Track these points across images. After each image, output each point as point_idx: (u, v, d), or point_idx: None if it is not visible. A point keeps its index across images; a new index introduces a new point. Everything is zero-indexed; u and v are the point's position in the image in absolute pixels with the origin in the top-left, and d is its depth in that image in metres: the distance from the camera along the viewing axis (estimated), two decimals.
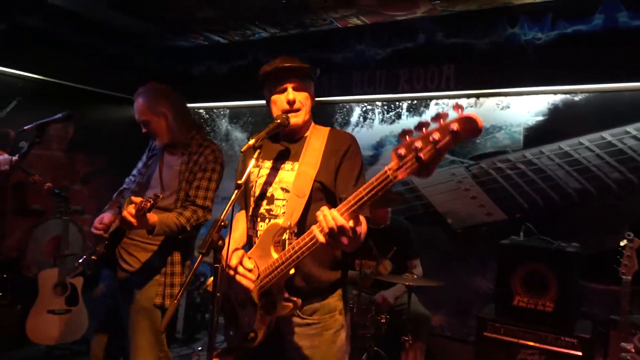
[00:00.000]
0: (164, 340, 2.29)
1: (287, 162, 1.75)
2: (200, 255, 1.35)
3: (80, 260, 2.43)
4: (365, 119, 4.04)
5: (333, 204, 1.51)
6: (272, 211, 1.70)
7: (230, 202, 1.41)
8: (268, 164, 1.78)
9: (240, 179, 1.49)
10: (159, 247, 2.25)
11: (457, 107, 1.10)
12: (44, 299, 3.65)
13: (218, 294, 1.43)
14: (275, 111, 1.75)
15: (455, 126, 1.08)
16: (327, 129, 1.81)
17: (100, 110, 4.45)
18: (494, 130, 3.47)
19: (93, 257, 2.29)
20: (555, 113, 3.29)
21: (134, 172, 2.52)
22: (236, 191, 1.45)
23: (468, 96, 3.60)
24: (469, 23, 3.53)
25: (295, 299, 1.58)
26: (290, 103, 1.71)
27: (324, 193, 1.68)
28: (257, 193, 1.75)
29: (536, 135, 3.33)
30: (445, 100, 3.70)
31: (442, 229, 3.61)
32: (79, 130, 4.27)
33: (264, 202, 1.72)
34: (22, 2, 3.52)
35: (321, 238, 1.35)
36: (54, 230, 4.07)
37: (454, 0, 3.33)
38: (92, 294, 3.25)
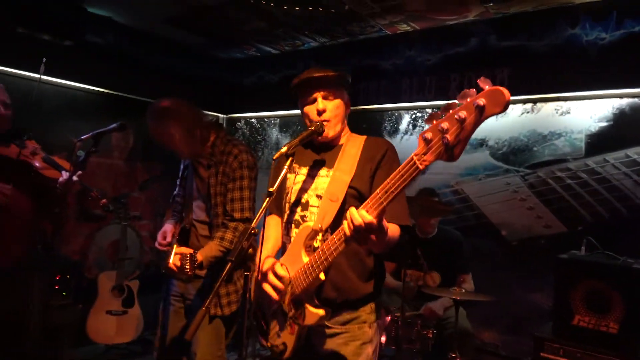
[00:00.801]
0: (223, 339, 2.35)
1: (322, 169, 1.74)
2: (230, 263, 1.35)
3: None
4: (414, 126, 3.95)
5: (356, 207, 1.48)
6: (306, 217, 1.70)
7: (261, 210, 1.41)
8: (304, 170, 1.78)
9: (272, 186, 1.48)
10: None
11: (484, 81, 1.05)
12: (103, 300, 3.85)
13: (249, 302, 1.42)
14: (308, 122, 1.76)
15: (482, 101, 1.04)
16: (363, 137, 1.78)
17: None
18: (553, 137, 3.27)
19: (163, 271, 2.40)
20: (621, 118, 3.05)
21: (179, 180, 2.60)
22: (267, 199, 1.45)
23: (524, 101, 3.42)
24: (524, 25, 3.37)
25: (323, 308, 1.54)
26: (320, 112, 1.71)
27: (359, 200, 1.64)
28: (292, 200, 1.75)
29: (600, 142, 3.10)
30: None
31: (496, 241, 3.44)
32: (137, 140, 4.50)
33: (299, 209, 1.72)
34: (88, 20, 3.76)
35: (348, 232, 1.33)
36: (113, 234, 4.30)
37: (508, 2, 3.19)
38: (151, 295, 3.40)
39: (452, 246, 3.17)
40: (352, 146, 1.73)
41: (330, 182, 1.67)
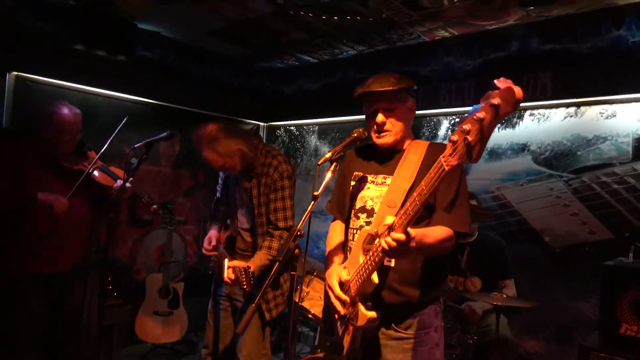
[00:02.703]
0: (267, 338, 2.47)
1: (388, 177, 1.77)
2: (277, 263, 1.43)
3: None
4: (453, 131, 3.93)
5: (423, 217, 1.56)
6: (372, 224, 1.73)
7: (307, 212, 1.48)
8: (370, 178, 1.83)
9: (317, 190, 1.55)
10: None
11: (502, 81, 1.09)
12: (150, 301, 4.03)
13: (295, 301, 1.49)
14: (369, 131, 1.81)
15: (496, 100, 1.08)
16: (426, 143, 1.80)
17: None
18: (598, 141, 3.19)
19: (209, 272, 2.53)
20: None
21: (219, 184, 2.71)
22: (312, 202, 1.52)
23: (567, 105, 3.36)
24: (567, 27, 3.32)
25: (375, 311, 1.59)
26: (379, 126, 1.74)
27: None
28: (357, 206, 1.80)
29: None
30: (542, 111, 3.48)
31: (539, 248, 3.37)
32: (183, 148, 4.70)
33: (364, 215, 1.77)
34: (138, 36, 3.98)
35: (384, 245, 1.39)
36: (160, 239, 4.49)
37: (550, 5, 3.16)
38: (194, 297, 3.51)
39: (493, 251, 3.13)
40: (414, 153, 1.75)
41: (390, 188, 1.71)
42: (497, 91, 1.09)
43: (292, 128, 5.27)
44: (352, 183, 1.84)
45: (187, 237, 4.81)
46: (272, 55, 4.78)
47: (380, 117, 1.74)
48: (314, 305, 2.89)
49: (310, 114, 4.99)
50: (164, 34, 4.29)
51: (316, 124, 5.02)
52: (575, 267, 3.20)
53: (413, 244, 1.37)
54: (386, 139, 1.76)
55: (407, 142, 1.83)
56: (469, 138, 1.14)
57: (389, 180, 1.75)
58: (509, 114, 1.09)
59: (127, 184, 2.52)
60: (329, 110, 4.77)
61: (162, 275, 4.10)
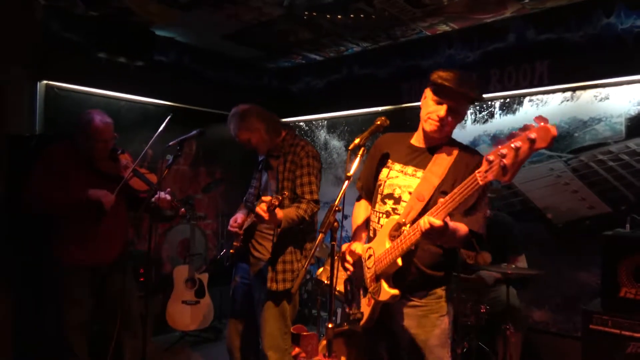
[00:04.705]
0: (288, 317, 2.63)
1: (416, 168, 1.91)
2: (321, 235, 1.66)
3: (222, 253, 2.87)
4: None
5: (451, 214, 1.71)
6: (397, 210, 1.89)
7: (342, 190, 1.71)
8: (398, 167, 1.96)
9: (349, 171, 1.77)
10: (277, 238, 2.58)
11: (540, 118, 1.29)
12: (179, 291, 4.27)
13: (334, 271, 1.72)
14: (423, 110, 1.90)
15: (533, 135, 1.27)
16: (457, 147, 1.90)
17: (216, 128, 5.08)
18: (593, 122, 3.42)
19: (231, 251, 2.72)
20: None
21: (253, 179, 2.90)
22: (346, 181, 1.74)
23: (563, 90, 3.59)
24: (561, 17, 3.53)
25: (397, 289, 1.80)
26: (441, 119, 1.83)
27: None
28: (385, 192, 1.95)
29: (639, 124, 3.24)
30: (540, 96, 3.71)
31: (543, 225, 3.61)
32: (200, 146, 4.93)
33: (391, 202, 1.92)
34: (156, 42, 4.21)
35: (420, 233, 1.59)
36: (183, 233, 4.73)
37: None
38: (217, 287, 3.70)
39: (501, 229, 3.33)
40: (447, 153, 1.86)
41: (421, 182, 1.84)
42: (536, 127, 1.27)
43: (301, 124, 5.49)
44: (382, 169, 2.00)
45: (207, 231, 5.05)
46: (280, 55, 5.00)
47: (444, 112, 1.81)
48: (339, 283, 3.11)
49: (319, 109, 5.21)
50: (178, 39, 4.52)
51: (324, 118, 5.25)
52: (577, 241, 3.44)
53: (446, 233, 1.57)
54: (437, 132, 1.85)
55: (444, 139, 1.93)
56: (505, 161, 1.31)
57: (419, 174, 1.88)
58: (542, 149, 1.28)
59: (166, 195, 2.73)
60: (336, 105, 5.01)
61: (187, 266, 4.35)
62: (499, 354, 3.02)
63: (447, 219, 1.56)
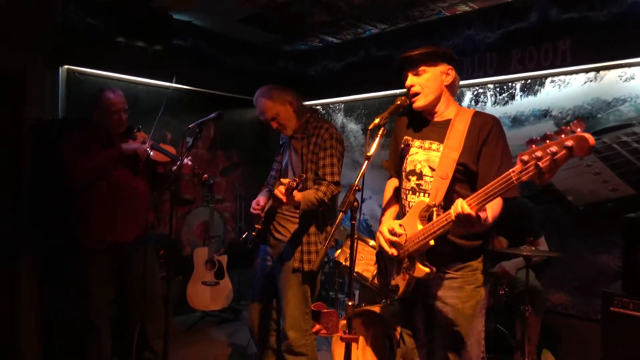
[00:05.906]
0: (309, 298, 2.66)
1: (434, 142, 1.95)
2: (341, 214, 1.68)
3: (244, 236, 2.91)
4: (477, 102, 4.12)
5: (474, 183, 1.81)
6: (422, 185, 1.94)
7: (362, 170, 1.71)
8: (418, 143, 2.00)
9: (369, 151, 1.78)
10: (300, 219, 2.61)
11: (577, 124, 1.27)
12: (199, 272, 4.35)
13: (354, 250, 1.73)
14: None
15: (570, 142, 1.26)
16: (471, 112, 1.95)
17: (233, 113, 5.12)
18: (617, 103, 3.35)
19: (253, 233, 2.76)
20: None
21: (275, 161, 2.92)
22: (366, 161, 1.75)
23: (587, 70, 3.51)
24: None
25: (430, 266, 1.83)
26: (409, 88, 1.94)
27: (466, 175, 1.88)
28: (408, 169, 2.00)
29: None
30: (562, 77, 3.63)
31: (563, 207, 3.56)
32: (217, 130, 4.97)
33: (414, 178, 1.96)
34: (173, 26, 4.22)
35: (453, 217, 1.64)
36: (202, 216, 4.80)
37: None
38: (236, 270, 3.72)
39: (519, 212, 3.31)
40: (460, 121, 1.90)
41: (441, 159, 1.87)
42: (573, 135, 1.26)
43: (318, 107, 5.48)
44: (402, 147, 2.04)
45: (225, 214, 5.12)
46: (297, 38, 4.97)
47: (409, 80, 1.92)
48: (357, 265, 3.14)
49: (336, 92, 5.18)
50: (195, 23, 4.52)
51: (342, 101, 5.23)
52: (598, 223, 3.40)
53: (476, 223, 1.62)
54: (418, 102, 1.92)
55: (454, 111, 1.97)
56: (541, 165, 1.32)
57: (434, 146, 1.93)
58: (579, 156, 1.27)
59: (188, 161, 2.78)
60: (353, 88, 4.98)
61: (207, 248, 4.42)
62: (517, 336, 3.02)
63: (480, 213, 1.61)
